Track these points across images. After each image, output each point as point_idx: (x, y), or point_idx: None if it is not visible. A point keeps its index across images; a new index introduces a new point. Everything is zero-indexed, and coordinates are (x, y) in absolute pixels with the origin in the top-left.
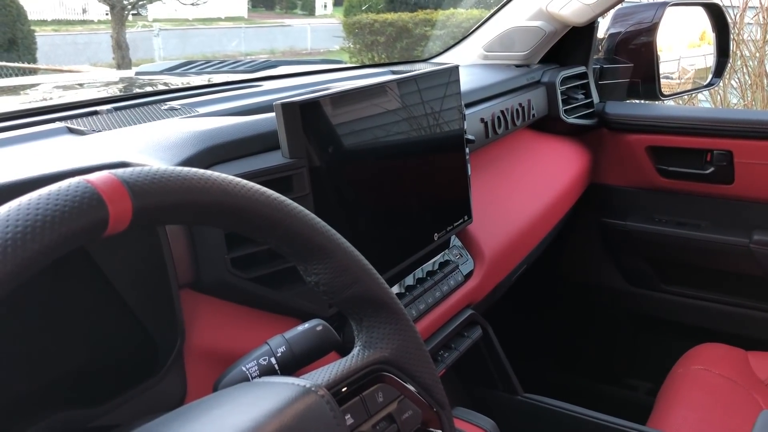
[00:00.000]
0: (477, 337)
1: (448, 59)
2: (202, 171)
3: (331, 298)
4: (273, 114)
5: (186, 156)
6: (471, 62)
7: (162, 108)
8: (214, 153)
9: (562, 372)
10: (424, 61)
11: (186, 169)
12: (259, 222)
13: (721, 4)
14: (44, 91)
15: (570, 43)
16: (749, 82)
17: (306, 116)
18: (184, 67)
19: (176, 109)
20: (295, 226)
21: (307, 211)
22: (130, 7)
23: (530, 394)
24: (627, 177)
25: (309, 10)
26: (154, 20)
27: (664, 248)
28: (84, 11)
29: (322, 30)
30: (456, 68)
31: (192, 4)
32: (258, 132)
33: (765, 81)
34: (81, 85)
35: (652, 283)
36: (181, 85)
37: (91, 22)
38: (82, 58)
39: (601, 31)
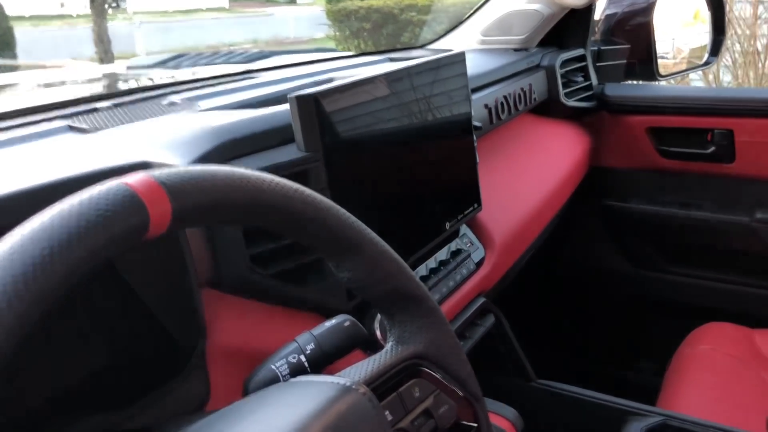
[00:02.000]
0: (490, 326)
1: (444, 45)
2: (236, 169)
3: (363, 294)
4: (285, 106)
5: (204, 151)
6: (468, 47)
7: (162, 103)
8: (230, 148)
9: (570, 356)
10: (421, 47)
11: (221, 167)
12: (294, 219)
13: None
14: (37, 88)
15: (568, 25)
16: (740, 60)
17: (320, 108)
18: (176, 59)
19: (177, 104)
20: (328, 222)
21: (338, 207)
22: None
23: (543, 380)
24: (628, 159)
25: None
26: (135, 13)
27: (667, 229)
28: (62, 5)
29: (304, 18)
30: (462, 54)
31: None
32: (272, 126)
33: (757, 59)
34: (75, 81)
35: (656, 264)
36: (177, 79)
37: (70, 16)
38: (63, 53)
39: (598, 13)
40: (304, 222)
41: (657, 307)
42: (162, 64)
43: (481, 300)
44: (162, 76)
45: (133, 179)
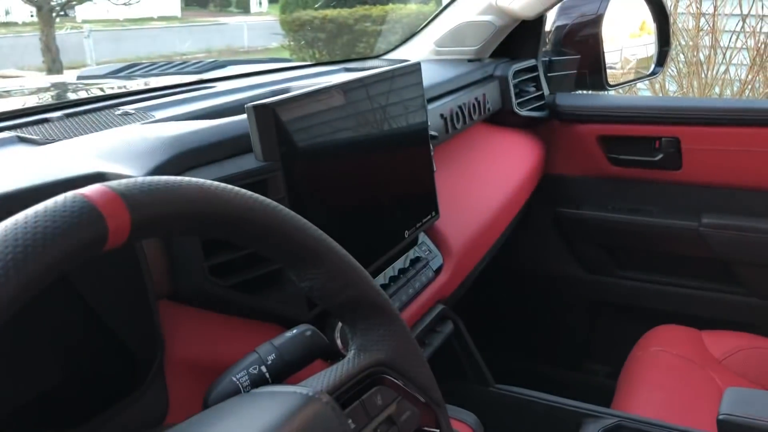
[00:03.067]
0: (449, 332)
1: (400, 55)
2: (195, 180)
3: (324, 303)
4: (242, 116)
5: (159, 162)
6: (423, 58)
7: (115, 113)
8: (186, 159)
9: (525, 360)
10: (377, 57)
11: (180, 178)
12: (255, 230)
13: None
14: None
15: (520, 36)
16: (685, 70)
17: (278, 118)
18: (128, 69)
19: (131, 114)
20: (289, 232)
21: (299, 217)
22: (58, 8)
23: (501, 384)
24: (579, 166)
25: (244, 7)
26: (84, 21)
27: (618, 234)
28: (7, 13)
29: (258, 27)
30: (418, 65)
31: (124, 4)
32: (229, 135)
33: (700, 69)
34: (23, 91)
35: (608, 269)
36: (130, 89)
37: (15, 24)
38: (7, 63)
39: (548, 24)
40: (265, 232)
41: (609, 311)
42: (114, 74)
43: (440, 307)
44: (114, 86)
45: (90, 190)
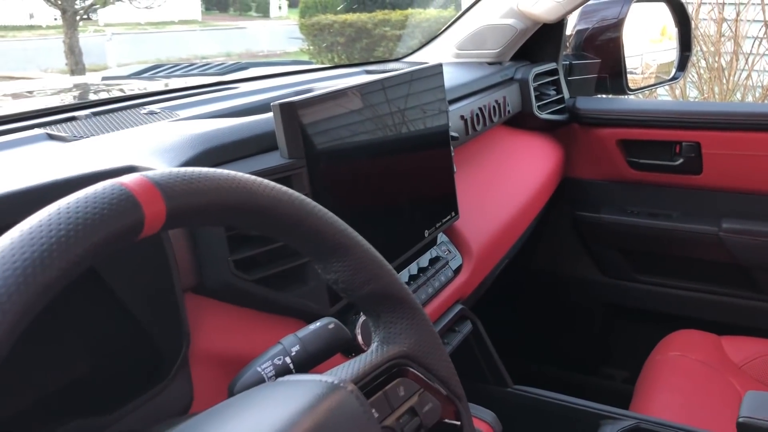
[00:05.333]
0: (467, 332)
1: (420, 58)
2: (228, 172)
3: (349, 295)
4: (267, 115)
5: (187, 158)
6: (444, 60)
7: (141, 112)
8: (213, 155)
9: (542, 363)
10: (397, 60)
11: (213, 170)
12: (284, 221)
13: (682, 0)
14: (8, 98)
15: (540, 40)
16: (706, 76)
17: (303, 116)
18: (153, 71)
19: (156, 113)
20: (317, 225)
21: (326, 210)
22: (82, 11)
23: (519, 385)
24: (599, 170)
25: (263, 11)
26: (106, 24)
27: (637, 239)
28: (31, 16)
29: (278, 32)
30: (440, 66)
31: (146, 8)
32: (255, 133)
33: (721, 74)
34: (48, 92)
35: (626, 273)
36: (153, 90)
37: (40, 27)
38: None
39: (569, 28)
40: (293, 225)
41: (627, 315)
42: (137, 75)
43: (459, 307)
44: (138, 86)
45: (128, 179)
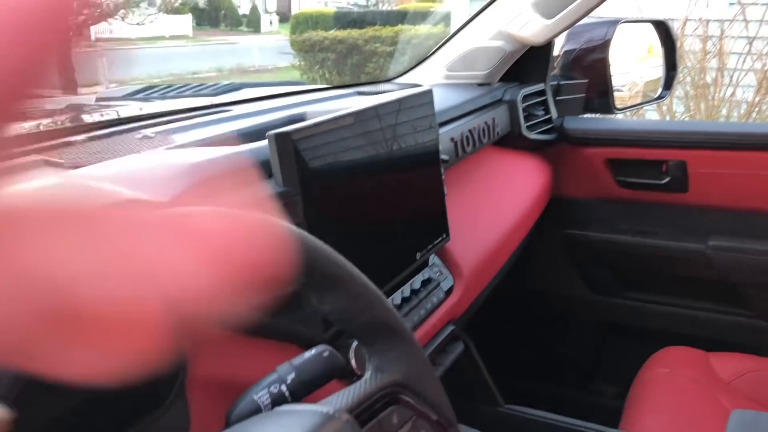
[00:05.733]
0: (459, 353)
1: (411, 79)
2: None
3: (343, 325)
4: (261, 143)
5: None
6: (434, 81)
7: (136, 137)
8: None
9: (533, 380)
10: (388, 81)
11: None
12: None
13: (667, 21)
14: None
15: (528, 61)
16: (692, 93)
17: (297, 145)
18: (146, 92)
19: (151, 137)
20: (313, 258)
21: (321, 243)
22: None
23: (511, 405)
24: (587, 189)
25: (254, 26)
26: (97, 40)
27: (626, 256)
28: None
29: (268, 47)
30: (430, 92)
31: (137, 24)
32: (249, 162)
33: (707, 91)
34: (45, 112)
35: (616, 290)
36: (147, 112)
37: None
38: None
39: (557, 49)
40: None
41: (617, 332)
42: (131, 96)
43: (451, 328)
44: (132, 108)
45: None
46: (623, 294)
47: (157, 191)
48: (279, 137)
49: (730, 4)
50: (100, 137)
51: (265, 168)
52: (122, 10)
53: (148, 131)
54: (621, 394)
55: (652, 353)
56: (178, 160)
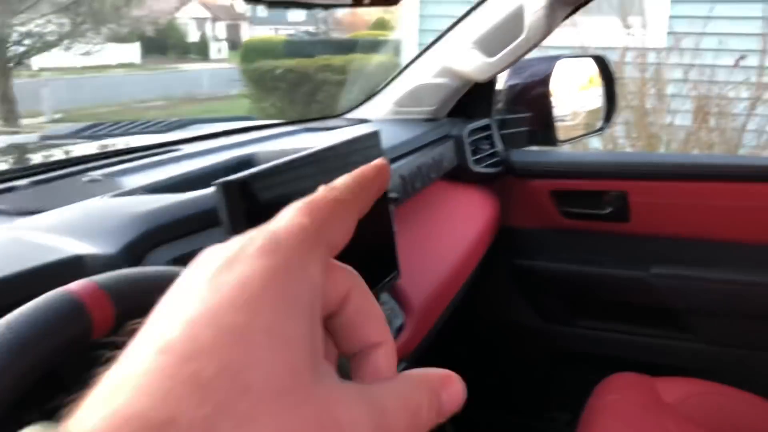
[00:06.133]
0: None
1: (361, 114)
2: (171, 269)
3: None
4: (210, 190)
5: (129, 240)
6: (382, 116)
7: (83, 180)
8: (155, 235)
9: (487, 409)
10: (338, 116)
11: (157, 269)
12: None
13: (605, 56)
14: None
15: (474, 96)
16: (632, 119)
17: (245, 193)
18: (92, 129)
19: (98, 180)
20: None
21: None
22: (16, 58)
23: None
24: (534, 220)
25: (203, 54)
26: (41, 69)
27: (572, 284)
28: None
29: (218, 74)
30: (377, 133)
31: (83, 54)
32: (198, 209)
33: (646, 117)
34: None
35: (565, 318)
36: (94, 152)
37: None
38: None
39: (501, 84)
40: None
41: (568, 359)
42: (77, 134)
43: (403, 365)
44: (79, 148)
45: (76, 286)
46: (572, 322)
47: (106, 242)
48: (226, 186)
49: (668, 33)
50: (45, 181)
51: (214, 215)
52: (67, 40)
53: (96, 173)
54: (573, 421)
55: (602, 379)
56: (125, 209)
